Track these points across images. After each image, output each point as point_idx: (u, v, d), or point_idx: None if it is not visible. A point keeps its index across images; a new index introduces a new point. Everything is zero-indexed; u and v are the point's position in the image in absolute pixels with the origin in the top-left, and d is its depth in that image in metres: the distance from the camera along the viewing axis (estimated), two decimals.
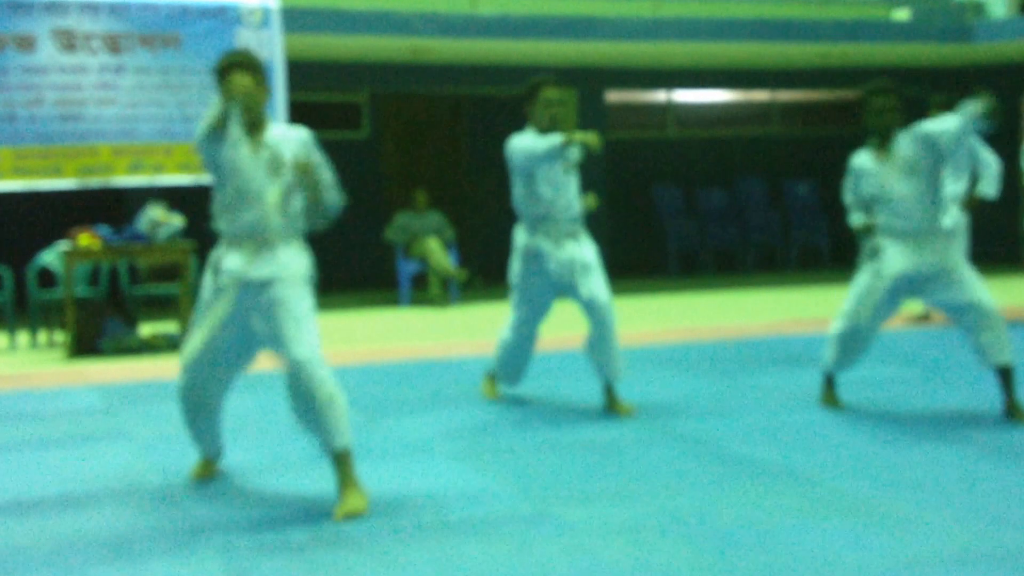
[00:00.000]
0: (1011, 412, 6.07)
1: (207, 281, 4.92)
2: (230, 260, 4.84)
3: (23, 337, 10.50)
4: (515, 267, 6.55)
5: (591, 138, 6.01)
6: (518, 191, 6.46)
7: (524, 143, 6.29)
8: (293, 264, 4.85)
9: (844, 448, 5.59)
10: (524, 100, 6.43)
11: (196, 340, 4.93)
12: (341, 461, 4.69)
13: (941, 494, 4.73)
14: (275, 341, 4.75)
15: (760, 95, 17.08)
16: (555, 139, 6.10)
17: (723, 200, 16.21)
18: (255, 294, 4.79)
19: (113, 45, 10.31)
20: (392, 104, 15.44)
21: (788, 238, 16.22)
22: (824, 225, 16.23)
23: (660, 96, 16.18)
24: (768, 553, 4.04)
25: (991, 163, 9.86)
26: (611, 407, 6.48)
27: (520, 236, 6.53)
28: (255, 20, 10.72)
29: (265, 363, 8.72)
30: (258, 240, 4.84)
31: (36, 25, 10.09)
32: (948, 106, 9.98)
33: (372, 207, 14.98)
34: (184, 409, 5.13)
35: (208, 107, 4.99)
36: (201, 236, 11.19)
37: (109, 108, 10.32)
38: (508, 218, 15.78)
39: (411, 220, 12.85)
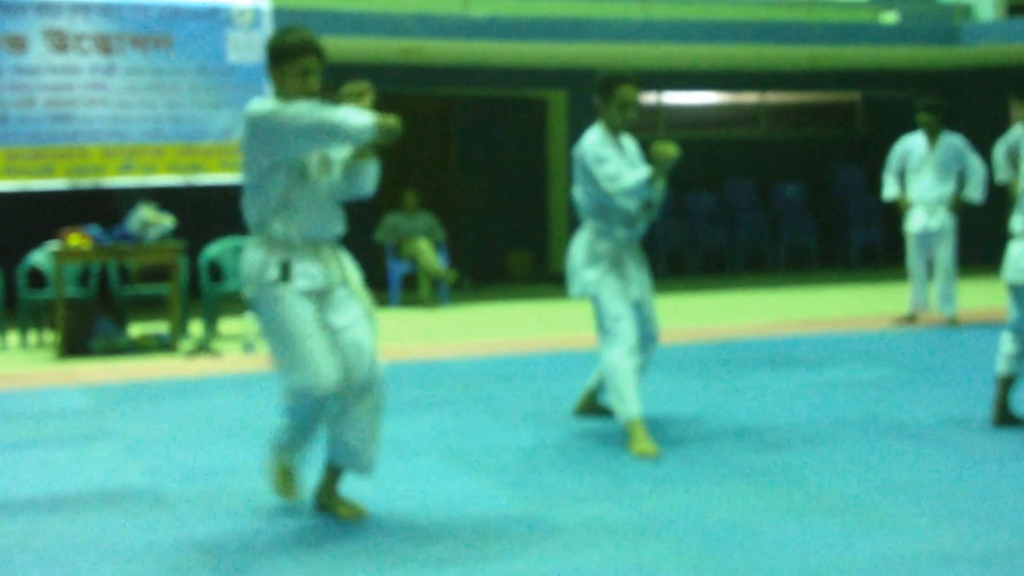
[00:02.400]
0: (1004, 417, 6.05)
1: (276, 288, 4.39)
2: (306, 267, 4.43)
3: (13, 337, 10.50)
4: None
5: (671, 151, 5.49)
6: (587, 193, 5.96)
7: (605, 168, 5.74)
8: (352, 265, 4.65)
9: (831, 449, 5.63)
10: (597, 94, 5.86)
11: (313, 350, 4.38)
12: (342, 474, 4.65)
13: (926, 495, 4.77)
14: (353, 337, 4.47)
15: (749, 97, 17.13)
16: (641, 175, 5.62)
17: (712, 201, 16.25)
18: (335, 295, 4.51)
19: (104, 46, 10.32)
20: (383, 105, 15.43)
21: (776, 239, 16.26)
22: (812, 226, 16.28)
23: (650, 98, 16.22)
24: (755, 553, 4.07)
25: (977, 168, 9.91)
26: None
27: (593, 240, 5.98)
28: (246, 21, 10.74)
29: (251, 365, 8.74)
30: (328, 245, 4.53)
31: (28, 25, 10.09)
32: (936, 109, 10.04)
33: (362, 207, 14.96)
34: (316, 418, 4.54)
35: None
36: (191, 237, 11.20)
37: (100, 109, 10.33)
38: (498, 219, 15.88)
39: (401, 221, 12.88)
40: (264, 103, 4.38)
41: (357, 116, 4.26)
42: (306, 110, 4.28)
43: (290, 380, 4.40)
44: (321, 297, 4.45)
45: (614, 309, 5.80)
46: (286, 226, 4.42)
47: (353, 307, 4.52)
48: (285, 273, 4.40)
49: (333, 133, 4.26)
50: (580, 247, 5.97)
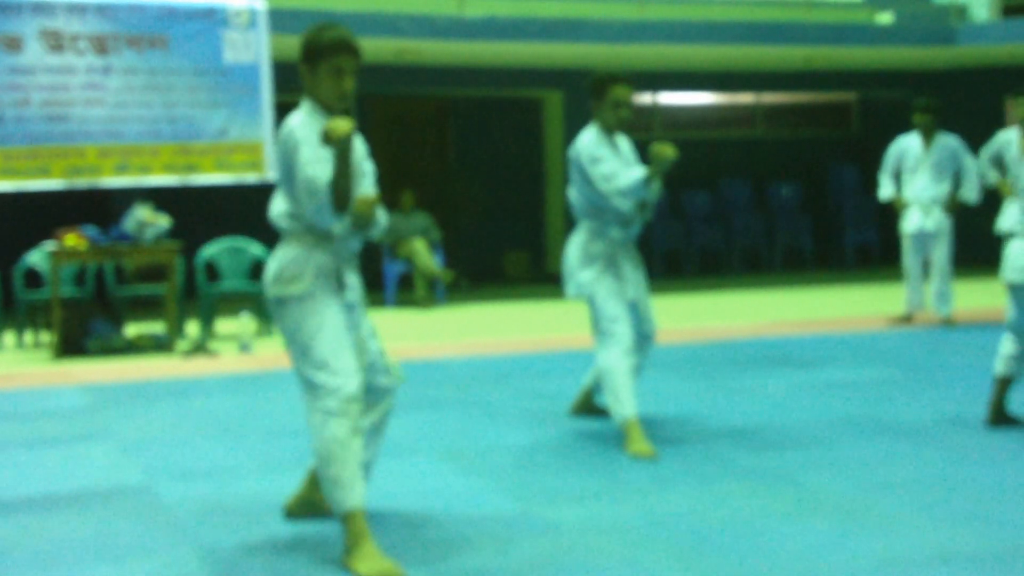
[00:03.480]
0: (999, 417, 6.05)
1: (324, 293, 4.18)
2: (351, 277, 4.30)
3: (10, 337, 10.49)
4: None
5: (669, 152, 5.56)
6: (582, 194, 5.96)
7: (600, 168, 5.77)
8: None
9: (827, 449, 5.64)
10: (590, 95, 5.86)
11: (349, 359, 4.16)
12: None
13: (922, 494, 4.78)
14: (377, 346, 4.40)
15: (745, 97, 17.14)
16: (637, 175, 5.68)
17: (708, 202, 16.27)
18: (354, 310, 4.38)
19: (100, 46, 10.32)
20: (379, 105, 15.46)
21: (772, 240, 16.28)
22: (808, 227, 16.30)
23: (646, 98, 16.23)
24: (752, 552, 4.08)
25: (972, 168, 9.92)
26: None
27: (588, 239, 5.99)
28: (242, 21, 10.73)
29: (248, 365, 8.74)
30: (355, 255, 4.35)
31: (24, 26, 10.09)
32: (932, 109, 10.06)
33: None
34: (351, 440, 4.11)
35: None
36: (188, 237, 11.20)
37: (96, 109, 10.32)
38: (494, 219, 15.88)
39: (397, 221, 12.88)
40: (295, 126, 4.12)
41: (318, 172, 4.03)
42: (305, 161, 4.04)
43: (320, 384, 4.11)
44: (351, 308, 4.30)
45: (610, 310, 5.80)
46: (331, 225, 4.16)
47: (366, 316, 4.42)
48: (340, 281, 4.22)
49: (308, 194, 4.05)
50: (575, 248, 5.99)
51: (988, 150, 9.64)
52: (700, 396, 7.10)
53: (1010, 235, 6.07)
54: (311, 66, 4.17)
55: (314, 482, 4.56)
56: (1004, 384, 6.01)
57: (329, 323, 4.15)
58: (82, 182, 10.39)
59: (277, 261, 4.24)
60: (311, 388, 4.13)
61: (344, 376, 4.10)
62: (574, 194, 5.99)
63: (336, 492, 4.05)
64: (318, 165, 4.03)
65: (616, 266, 5.92)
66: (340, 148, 3.97)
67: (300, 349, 4.16)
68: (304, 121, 4.13)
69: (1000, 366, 6.02)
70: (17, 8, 10.06)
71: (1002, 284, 6.03)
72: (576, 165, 5.90)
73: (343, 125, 3.94)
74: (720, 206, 16.30)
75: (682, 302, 12.52)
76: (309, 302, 4.16)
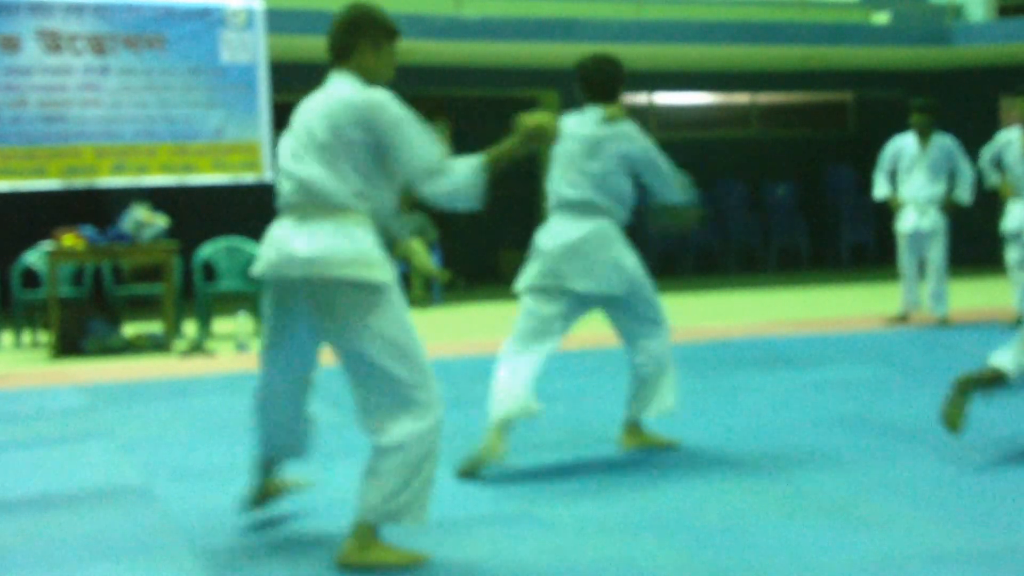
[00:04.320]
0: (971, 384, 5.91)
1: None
2: None
3: (7, 337, 10.50)
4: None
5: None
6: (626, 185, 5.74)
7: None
8: None
9: (822, 448, 5.64)
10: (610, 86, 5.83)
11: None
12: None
13: (918, 494, 4.79)
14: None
15: (741, 97, 17.17)
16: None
17: (703, 202, 16.25)
18: None
19: (98, 46, 10.33)
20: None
21: (768, 240, 16.30)
22: (804, 227, 16.32)
23: (642, 98, 16.25)
24: (747, 552, 4.09)
25: (966, 170, 9.95)
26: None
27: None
28: (239, 21, 10.74)
29: (245, 364, 8.75)
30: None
31: (21, 26, 10.09)
32: (929, 109, 10.09)
33: None
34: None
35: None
36: (185, 237, 11.21)
37: (93, 109, 10.33)
38: (490, 219, 15.89)
39: None
40: (385, 98, 3.96)
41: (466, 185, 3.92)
42: (428, 144, 3.98)
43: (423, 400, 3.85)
44: None
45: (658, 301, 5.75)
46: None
47: None
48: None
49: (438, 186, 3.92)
50: (613, 238, 5.62)
51: (989, 151, 9.65)
52: (695, 395, 7.09)
53: (1017, 235, 6.03)
54: (378, 43, 4.03)
55: (266, 472, 4.46)
56: (992, 376, 5.89)
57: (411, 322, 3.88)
58: (79, 182, 10.41)
59: (352, 240, 3.80)
60: (405, 394, 3.83)
61: (436, 389, 3.88)
62: (620, 183, 5.70)
63: (422, 496, 3.91)
64: (433, 144, 3.94)
65: None
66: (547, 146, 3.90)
67: (397, 349, 3.80)
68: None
69: (998, 358, 5.87)
70: (14, 8, 10.07)
71: (1016, 283, 5.99)
72: (628, 151, 5.77)
73: (552, 120, 3.90)
74: (716, 206, 16.32)
75: (678, 302, 12.53)
76: (396, 293, 3.85)
